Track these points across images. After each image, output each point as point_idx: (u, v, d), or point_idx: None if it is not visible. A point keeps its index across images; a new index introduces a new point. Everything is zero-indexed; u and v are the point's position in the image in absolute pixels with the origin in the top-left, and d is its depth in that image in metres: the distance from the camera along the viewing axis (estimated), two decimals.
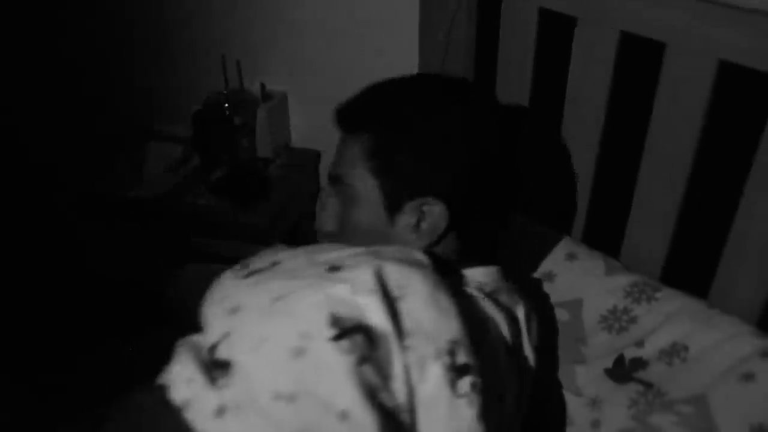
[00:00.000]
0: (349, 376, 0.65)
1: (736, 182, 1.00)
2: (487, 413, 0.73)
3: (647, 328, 1.04)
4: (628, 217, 1.16)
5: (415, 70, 1.40)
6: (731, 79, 0.97)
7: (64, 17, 1.87)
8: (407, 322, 0.70)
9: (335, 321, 0.67)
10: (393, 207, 0.86)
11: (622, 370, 1.03)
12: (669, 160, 1.06)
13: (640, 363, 1.02)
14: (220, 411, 0.66)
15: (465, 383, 0.71)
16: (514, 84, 1.25)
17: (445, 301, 0.73)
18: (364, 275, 0.70)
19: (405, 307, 0.71)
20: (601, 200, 1.21)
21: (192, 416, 0.67)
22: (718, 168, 1.05)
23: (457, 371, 0.71)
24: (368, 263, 0.72)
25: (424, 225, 0.84)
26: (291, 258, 0.79)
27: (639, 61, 1.07)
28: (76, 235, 1.62)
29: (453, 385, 0.70)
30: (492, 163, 0.88)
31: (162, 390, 0.70)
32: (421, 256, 0.78)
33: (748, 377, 0.91)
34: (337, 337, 0.67)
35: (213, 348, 0.71)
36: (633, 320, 1.06)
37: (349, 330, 0.67)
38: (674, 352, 1.00)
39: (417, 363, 0.69)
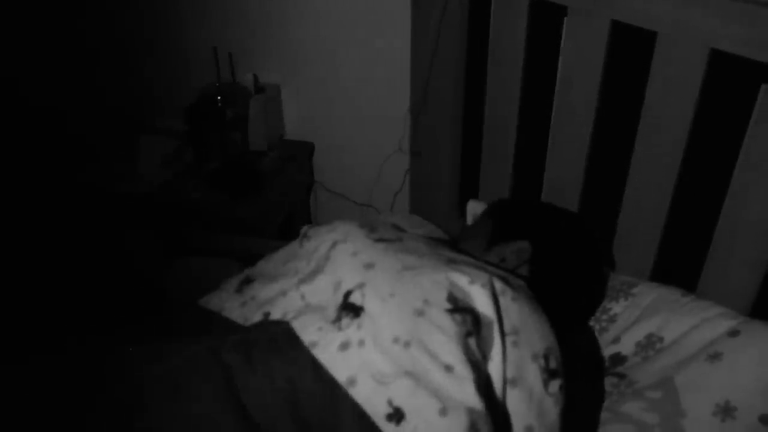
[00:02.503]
0: (457, 340, 0.78)
1: (728, 170, 1.00)
2: (566, 413, 0.83)
3: (624, 325, 1.06)
4: (619, 209, 1.17)
5: (407, 61, 1.41)
6: (722, 68, 0.97)
7: (56, 12, 1.86)
8: (514, 321, 0.82)
9: (452, 299, 0.81)
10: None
11: (601, 370, 1.03)
12: (661, 148, 1.07)
13: (618, 359, 1.03)
14: (344, 346, 0.79)
15: (555, 385, 0.82)
16: (505, 73, 1.25)
17: (543, 315, 0.86)
18: (481, 274, 0.83)
19: (514, 308, 0.83)
20: (592, 190, 1.22)
21: (318, 352, 0.79)
22: (709, 156, 1.05)
23: (549, 373, 0.82)
24: (484, 269, 0.86)
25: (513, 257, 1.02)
26: (412, 239, 0.95)
27: (630, 50, 1.07)
28: (71, 227, 1.62)
29: (546, 384, 0.81)
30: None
31: (291, 329, 0.82)
32: (521, 281, 0.90)
33: (715, 357, 0.92)
34: (452, 311, 0.80)
35: (348, 293, 0.83)
36: (612, 319, 1.08)
37: (461, 309, 0.81)
38: (650, 344, 1.01)
39: (518, 359, 0.81)
